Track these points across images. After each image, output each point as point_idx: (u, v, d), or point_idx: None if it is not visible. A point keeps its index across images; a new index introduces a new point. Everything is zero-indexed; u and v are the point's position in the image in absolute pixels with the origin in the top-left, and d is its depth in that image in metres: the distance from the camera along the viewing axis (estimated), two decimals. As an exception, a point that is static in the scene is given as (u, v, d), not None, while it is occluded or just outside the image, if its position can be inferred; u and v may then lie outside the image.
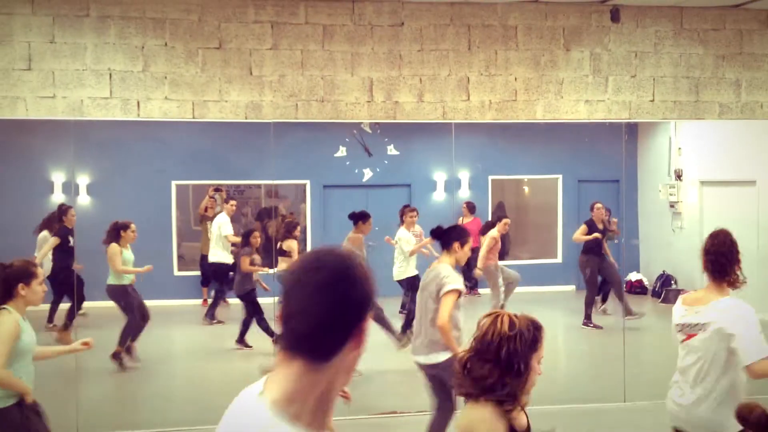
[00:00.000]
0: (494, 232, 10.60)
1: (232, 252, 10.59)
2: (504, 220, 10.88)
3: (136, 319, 8.62)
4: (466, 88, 7.44)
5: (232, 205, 10.98)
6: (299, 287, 1.62)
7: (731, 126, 9.29)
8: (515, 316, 2.92)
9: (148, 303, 8.92)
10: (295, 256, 9.60)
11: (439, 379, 5.64)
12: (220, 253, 10.70)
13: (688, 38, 7.76)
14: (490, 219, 12.43)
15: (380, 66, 7.29)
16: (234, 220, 11.12)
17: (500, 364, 2.81)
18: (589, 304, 10.85)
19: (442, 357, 5.50)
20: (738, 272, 4.11)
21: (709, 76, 7.80)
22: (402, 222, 10.19)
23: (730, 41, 7.82)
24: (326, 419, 1.68)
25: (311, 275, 1.62)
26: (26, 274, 4.55)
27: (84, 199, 10.91)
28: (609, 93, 7.66)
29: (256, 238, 9.99)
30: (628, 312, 10.10)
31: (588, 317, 10.83)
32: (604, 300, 11.50)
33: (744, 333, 3.87)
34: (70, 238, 8.85)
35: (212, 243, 10.81)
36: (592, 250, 10.95)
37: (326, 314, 1.60)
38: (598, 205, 11.08)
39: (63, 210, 9.28)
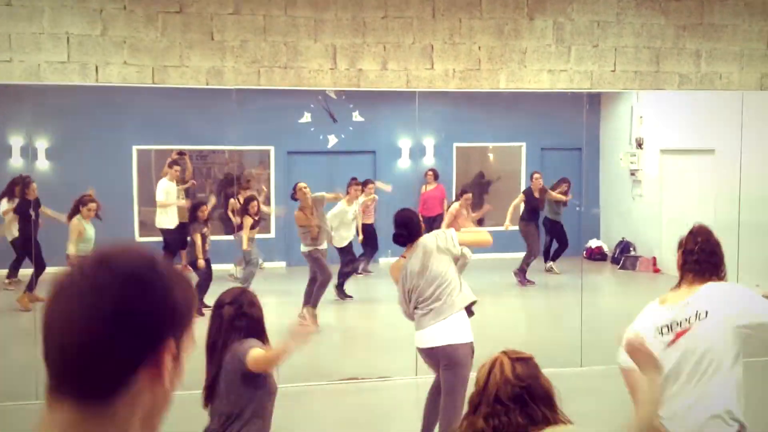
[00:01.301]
0: (455, 207, 10.69)
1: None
2: (465, 196, 11.10)
3: None
4: (430, 56, 7.43)
5: (175, 170, 10.68)
6: (66, 298, 1.13)
7: (691, 96, 9.42)
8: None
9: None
10: (247, 234, 9.68)
11: None
12: (161, 219, 10.53)
13: (650, 8, 7.81)
14: (455, 188, 12.55)
15: (344, 33, 7.24)
16: (199, 188, 11.05)
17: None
18: (525, 265, 11.71)
19: None
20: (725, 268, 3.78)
21: (670, 46, 7.88)
22: (347, 193, 10.40)
23: (692, 12, 7.89)
24: None
25: (82, 281, 1.13)
26: None
27: (43, 164, 10.73)
28: (571, 62, 7.71)
29: (204, 212, 9.92)
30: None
31: (524, 275, 11.69)
32: (552, 259, 12.38)
33: (756, 300, 3.58)
34: (32, 212, 8.73)
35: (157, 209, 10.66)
36: (531, 216, 11.95)
37: (95, 332, 1.10)
38: (536, 175, 12.10)
39: (25, 183, 9.09)
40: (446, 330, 5.13)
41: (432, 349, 5.21)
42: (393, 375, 7.61)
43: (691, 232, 3.88)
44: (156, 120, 11.49)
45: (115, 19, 6.82)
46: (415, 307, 5.27)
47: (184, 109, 11.16)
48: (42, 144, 10.65)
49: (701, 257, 3.71)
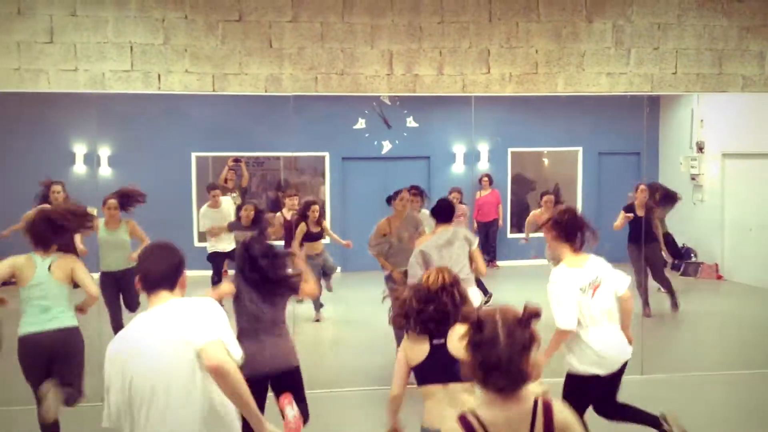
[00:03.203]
0: (537, 212, 10.19)
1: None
2: (545, 198, 10.16)
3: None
4: (487, 60, 7.40)
5: (213, 195, 10.13)
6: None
7: (754, 98, 9.17)
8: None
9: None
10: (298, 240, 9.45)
11: None
12: (214, 245, 10.06)
13: (711, 9, 7.64)
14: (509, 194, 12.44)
15: (400, 38, 7.26)
16: (255, 195, 10.92)
17: None
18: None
19: None
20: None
21: (733, 48, 7.70)
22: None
23: (755, 12, 7.70)
24: None
25: None
26: None
27: (105, 171, 11.01)
28: (631, 65, 7.59)
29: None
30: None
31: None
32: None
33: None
34: None
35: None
36: (636, 238, 9.75)
37: None
38: (642, 186, 9.90)
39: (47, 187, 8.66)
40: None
41: None
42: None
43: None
44: (215, 127, 11.68)
45: (177, 28, 6.96)
46: None
47: (242, 116, 11.34)
48: (105, 151, 10.92)
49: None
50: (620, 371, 5.09)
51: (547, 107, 11.56)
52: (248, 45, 7.06)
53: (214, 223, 9.98)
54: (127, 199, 8.13)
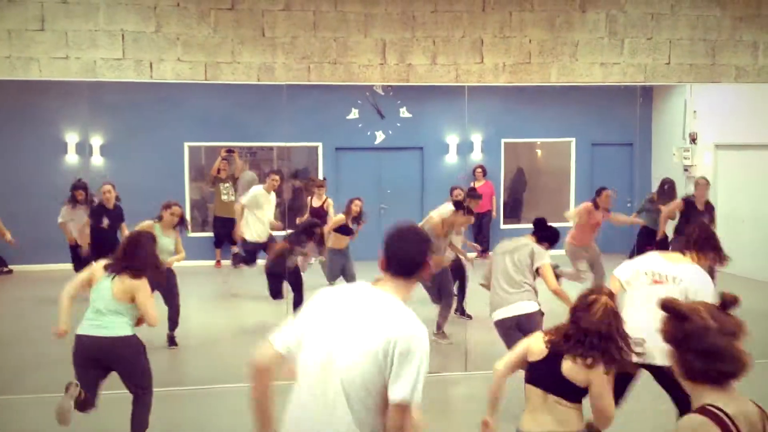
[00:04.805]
0: (586, 205, 9.59)
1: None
2: (605, 192, 9.45)
3: None
4: (480, 50, 7.38)
5: (274, 180, 9.77)
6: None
7: (747, 89, 9.18)
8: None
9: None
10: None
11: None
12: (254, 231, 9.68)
13: (705, 0, 7.64)
14: (503, 185, 12.40)
15: (393, 27, 7.24)
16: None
17: None
18: None
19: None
20: None
21: (726, 38, 7.70)
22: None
23: (749, 3, 7.70)
24: None
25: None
26: None
27: (97, 160, 10.96)
28: (624, 55, 7.58)
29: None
30: None
31: None
32: None
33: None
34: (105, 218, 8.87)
35: (246, 219, 9.63)
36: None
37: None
38: (703, 181, 9.58)
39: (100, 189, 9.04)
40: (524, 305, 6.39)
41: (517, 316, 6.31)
42: (441, 371, 7.58)
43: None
44: (207, 117, 11.63)
45: (169, 16, 6.92)
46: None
47: (235, 105, 11.29)
48: (97, 140, 10.87)
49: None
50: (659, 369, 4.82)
51: (541, 97, 11.55)
52: (241, 33, 7.02)
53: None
54: (183, 219, 8.21)
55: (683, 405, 4.93)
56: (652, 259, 5.09)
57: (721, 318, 2.45)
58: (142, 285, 5.29)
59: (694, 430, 2.35)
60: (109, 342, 5.20)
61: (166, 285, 7.53)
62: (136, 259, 5.34)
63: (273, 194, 9.79)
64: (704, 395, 2.42)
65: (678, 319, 2.48)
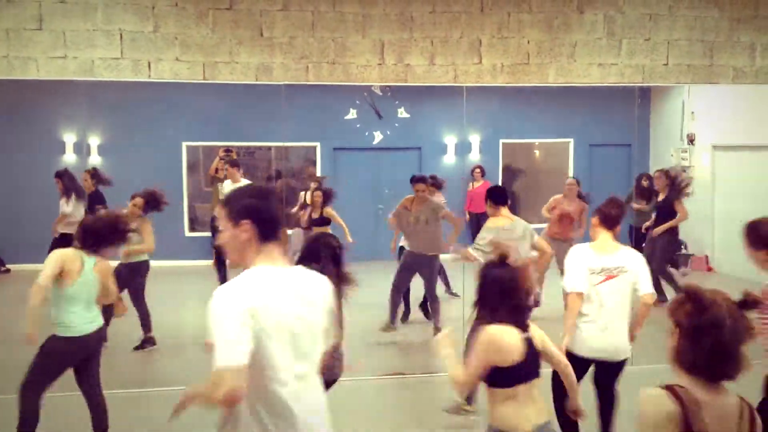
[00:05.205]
0: (555, 198, 10.03)
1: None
2: (568, 182, 10.18)
3: None
4: (478, 50, 7.39)
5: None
6: None
7: (745, 90, 9.19)
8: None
9: (160, 263, 8.97)
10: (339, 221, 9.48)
11: None
12: None
13: (703, 1, 7.65)
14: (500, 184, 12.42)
15: (391, 28, 7.24)
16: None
17: None
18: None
19: None
20: None
21: (724, 39, 7.71)
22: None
23: (746, 4, 7.71)
24: None
25: None
26: None
27: (95, 159, 10.96)
28: (622, 56, 7.59)
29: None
30: None
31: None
32: None
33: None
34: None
35: None
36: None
37: None
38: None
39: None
40: None
41: None
42: (437, 371, 7.58)
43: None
44: (205, 116, 11.63)
45: (167, 16, 6.92)
46: None
47: (233, 105, 11.29)
48: (95, 140, 10.88)
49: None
50: (611, 365, 5.09)
51: (539, 98, 11.56)
52: (239, 33, 7.02)
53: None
54: (153, 201, 8.00)
55: (606, 404, 5.21)
56: (587, 255, 5.05)
57: (736, 316, 2.42)
58: (109, 264, 5.30)
59: (650, 401, 2.40)
60: (97, 334, 5.15)
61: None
62: (112, 244, 5.23)
63: None
64: (690, 383, 2.42)
65: (697, 308, 2.44)
